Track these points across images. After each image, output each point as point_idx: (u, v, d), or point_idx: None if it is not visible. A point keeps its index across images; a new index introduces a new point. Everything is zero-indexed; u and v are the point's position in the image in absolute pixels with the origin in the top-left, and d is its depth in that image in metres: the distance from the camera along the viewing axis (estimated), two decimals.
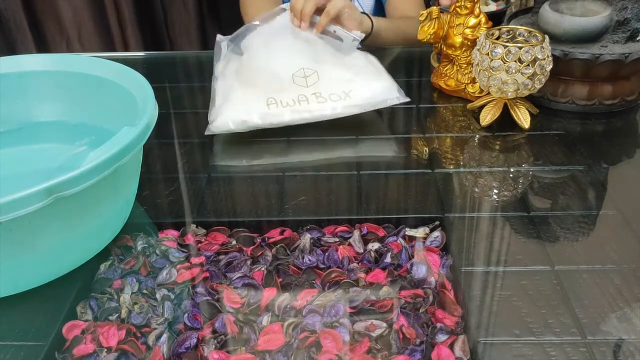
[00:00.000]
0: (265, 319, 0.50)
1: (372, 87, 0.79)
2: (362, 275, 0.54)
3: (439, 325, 0.48)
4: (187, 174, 0.70)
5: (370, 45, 0.96)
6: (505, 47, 0.72)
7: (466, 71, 0.84)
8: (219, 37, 0.95)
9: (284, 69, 0.81)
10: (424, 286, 0.53)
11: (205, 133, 0.76)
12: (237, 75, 0.84)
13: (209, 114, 0.78)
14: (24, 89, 0.69)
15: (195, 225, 0.61)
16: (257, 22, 0.93)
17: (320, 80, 0.79)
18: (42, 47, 1.39)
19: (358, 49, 0.90)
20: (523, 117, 0.76)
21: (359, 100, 0.77)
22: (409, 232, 0.59)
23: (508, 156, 0.72)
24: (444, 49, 0.86)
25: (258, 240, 0.59)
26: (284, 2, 1.11)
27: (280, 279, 0.54)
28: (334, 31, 0.86)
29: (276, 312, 0.50)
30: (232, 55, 0.91)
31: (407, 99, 0.79)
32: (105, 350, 0.47)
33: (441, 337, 0.48)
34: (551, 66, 0.73)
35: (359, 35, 0.86)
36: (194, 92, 0.89)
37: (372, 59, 0.86)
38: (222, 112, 0.77)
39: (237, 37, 0.94)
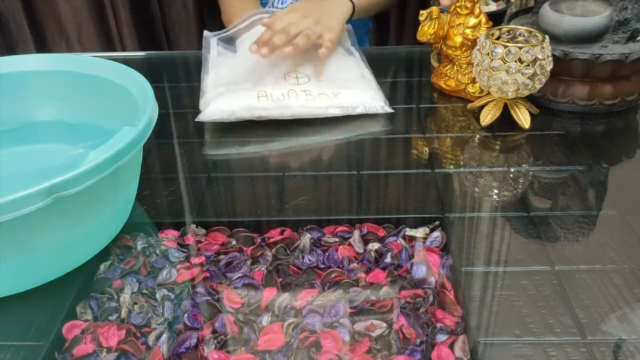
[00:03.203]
0: (265, 319, 0.50)
1: (360, 93, 0.81)
2: (362, 275, 0.54)
3: (439, 325, 0.48)
4: (186, 173, 0.70)
5: (357, 18, 0.97)
6: (505, 47, 0.72)
7: (466, 71, 0.84)
8: (206, 33, 0.96)
9: (278, 68, 0.83)
10: (424, 286, 0.53)
11: (196, 120, 0.78)
12: (231, 69, 0.87)
13: (200, 103, 0.80)
14: (24, 89, 0.69)
15: (195, 225, 0.61)
16: (248, 22, 0.94)
17: (311, 81, 0.82)
18: (42, 47, 1.39)
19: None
20: (523, 117, 0.76)
21: (346, 102, 0.79)
22: (409, 232, 0.59)
23: (508, 156, 0.72)
24: (444, 49, 0.86)
25: (258, 240, 0.59)
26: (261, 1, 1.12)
27: (280, 279, 0.54)
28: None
29: (276, 312, 0.50)
30: (226, 52, 0.92)
31: (392, 110, 0.81)
32: (105, 350, 0.47)
33: (441, 337, 0.48)
34: (551, 66, 0.73)
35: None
36: (194, 92, 0.89)
37: (367, 72, 0.87)
38: (212, 102, 0.79)
39: (228, 34, 0.95)
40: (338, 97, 0.79)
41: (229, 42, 0.95)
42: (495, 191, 0.65)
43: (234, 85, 0.82)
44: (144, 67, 1.01)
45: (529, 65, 0.71)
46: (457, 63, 0.85)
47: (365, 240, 0.58)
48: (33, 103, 0.69)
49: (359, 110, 0.80)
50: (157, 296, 0.52)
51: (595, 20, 0.76)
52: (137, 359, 0.47)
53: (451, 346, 0.47)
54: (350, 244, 0.58)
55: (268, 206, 0.63)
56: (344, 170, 0.70)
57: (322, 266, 0.56)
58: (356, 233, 0.58)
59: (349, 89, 0.81)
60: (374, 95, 0.81)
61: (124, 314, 0.50)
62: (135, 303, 0.51)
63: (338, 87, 0.81)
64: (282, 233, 0.60)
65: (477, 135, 0.76)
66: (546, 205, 0.63)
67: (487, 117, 0.77)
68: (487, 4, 0.92)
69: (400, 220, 0.61)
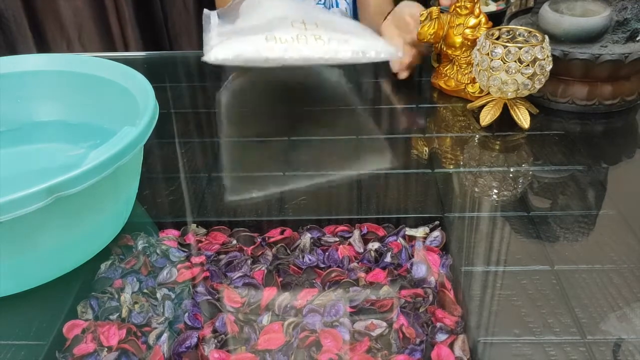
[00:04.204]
0: (266, 319, 0.50)
1: (371, 40, 0.79)
2: (362, 274, 0.54)
3: (438, 324, 0.49)
4: (187, 173, 0.70)
5: None
6: (505, 47, 0.72)
7: (466, 71, 0.84)
8: (205, 11, 0.95)
9: (285, 17, 0.81)
10: (424, 286, 0.53)
11: (202, 60, 0.76)
12: (236, 20, 0.84)
13: (204, 49, 0.78)
14: (24, 89, 0.69)
15: (195, 224, 0.61)
16: None
17: (319, 28, 0.79)
18: (42, 47, 1.39)
19: None
20: (523, 117, 0.76)
21: (357, 47, 0.77)
22: (409, 231, 0.59)
23: (508, 156, 0.72)
24: (444, 49, 0.86)
25: (258, 239, 0.59)
26: None
27: (281, 279, 0.54)
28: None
29: (276, 311, 0.50)
30: (226, 24, 0.90)
31: (402, 55, 0.80)
32: (106, 349, 0.47)
33: (441, 337, 0.48)
34: (551, 66, 0.73)
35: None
36: (195, 92, 0.89)
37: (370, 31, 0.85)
38: (218, 44, 0.76)
39: (227, 10, 0.93)
40: (348, 42, 0.77)
41: (229, 15, 0.93)
42: (495, 191, 0.65)
43: (239, 29, 0.80)
44: (145, 67, 1.01)
45: (528, 65, 0.71)
46: (457, 63, 0.85)
47: (365, 240, 0.59)
48: (33, 103, 0.69)
49: (370, 55, 0.76)
50: (158, 296, 0.52)
51: (595, 20, 0.76)
52: (137, 359, 0.47)
53: (451, 346, 0.47)
54: (350, 244, 0.58)
55: (268, 206, 0.63)
56: (345, 170, 0.70)
57: (322, 266, 0.56)
58: (356, 233, 0.59)
59: (359, 37, 0.78)
60: (383, 43, 0.79)
61: (124, 313, 0.50)
62: (136, 302, 0.51)
63: (348, 34, 0.78)
64: (282, 233, 0.60)
65: (477, 135, 0.76)
66: (546, 205, 0.63)
67: (487, 117, 0.77)
68: (487, 4, 0.92)
69: (400, 220, 0.61)
